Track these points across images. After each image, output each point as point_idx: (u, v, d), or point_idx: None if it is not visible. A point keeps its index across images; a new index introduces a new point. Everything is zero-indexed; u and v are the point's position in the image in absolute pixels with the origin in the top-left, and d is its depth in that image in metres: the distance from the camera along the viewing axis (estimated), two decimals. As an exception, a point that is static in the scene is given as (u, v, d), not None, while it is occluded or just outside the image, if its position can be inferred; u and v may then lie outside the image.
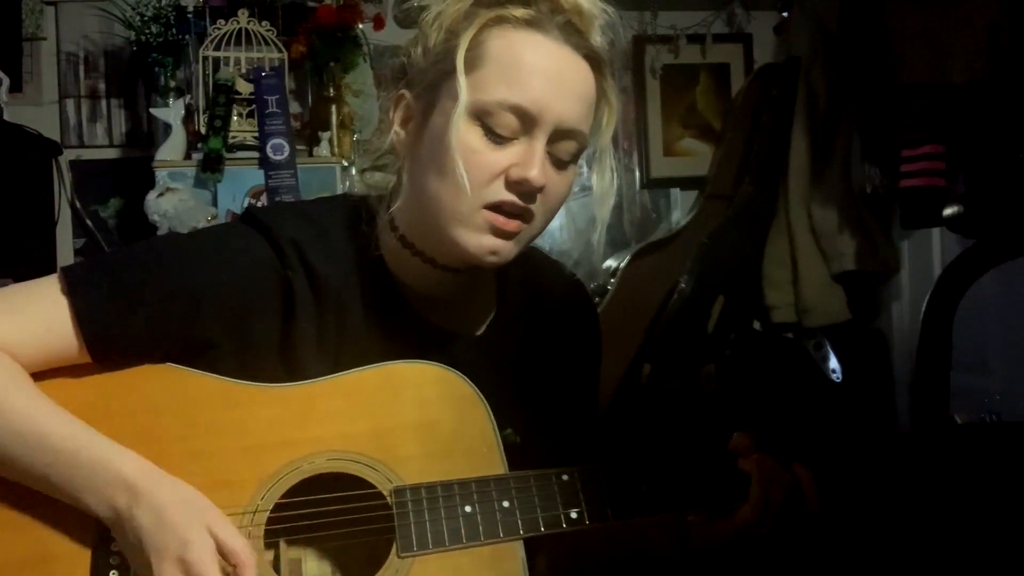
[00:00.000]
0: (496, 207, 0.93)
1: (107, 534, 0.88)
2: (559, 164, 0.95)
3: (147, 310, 0.92)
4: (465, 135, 0.92)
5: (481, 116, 0.92)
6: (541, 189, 0.93)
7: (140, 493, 0.85)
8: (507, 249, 0.96)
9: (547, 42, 0.93)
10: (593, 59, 0.96)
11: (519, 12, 0.93)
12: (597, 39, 0.96)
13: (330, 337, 0.98)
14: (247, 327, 0.96)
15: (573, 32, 0.94)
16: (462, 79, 0.91)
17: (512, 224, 0.94)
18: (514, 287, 1.12)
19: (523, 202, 0.93)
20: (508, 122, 0.92)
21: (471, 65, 0.92)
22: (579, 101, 0.95)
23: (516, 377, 1.07)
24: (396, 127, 1.00)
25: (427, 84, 0.96)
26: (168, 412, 0.93)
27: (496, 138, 0.92)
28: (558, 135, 0.94)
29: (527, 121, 0.92)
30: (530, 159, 0.92)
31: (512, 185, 0.93)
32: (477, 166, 0.92)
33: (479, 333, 1.08)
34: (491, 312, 1.09)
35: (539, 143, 0.93)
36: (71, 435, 0.87)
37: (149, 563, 0.84)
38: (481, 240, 0.94)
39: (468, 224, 0.94)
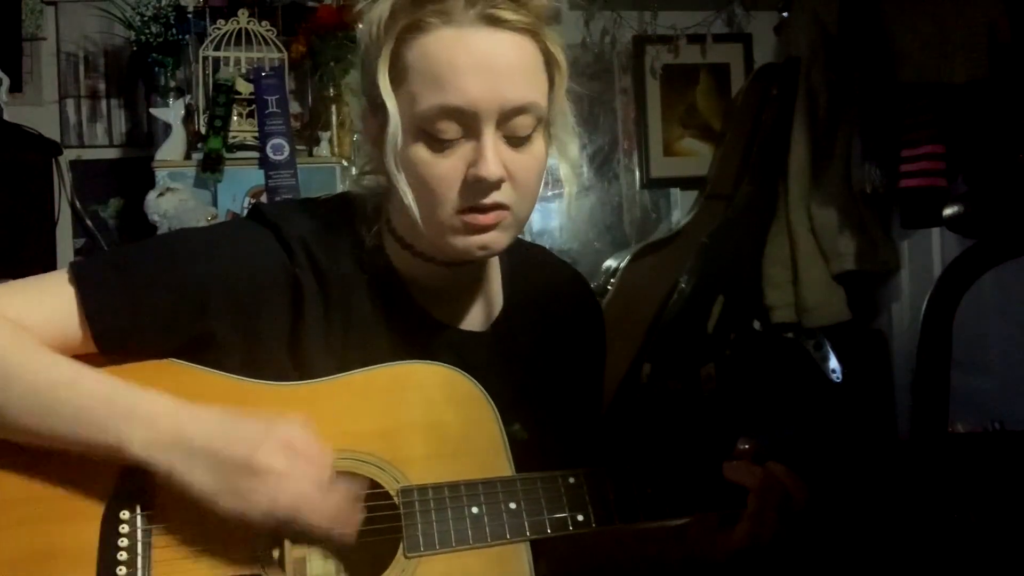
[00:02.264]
0: (468, 210, 0.93)
1: (114, 527, 0.88)
2: (518, 142, 0.93)
3: (155, 305, 0.92)
4: (413, 152, 0.91)
5: (422, 127, 0.91)
6: (501, 180, 0.92)
7: (182, 418, 0.87)
8: (494, 240, 0.95)
9: (464, 34, 0.90)
10: (524, 28, 0.92)
11: (430, 14, 0.90)
12: (524, 5, 0.91)
13: (337, 334, 0.98)
14: (255, 324, 0.96)
15: (493, 10, 0.90)
16: (389, 102, 0.90)
17: (489, 217, 0.93)
18: (519, 283, 1.12)
19: (487, 199, 0.92)
20: (447, 127, 0.90)
21: (397, 80, 0.91)
22: (516, 77, 0.91)
23: (523, 373, 1.08)
24: (369, 144, 1.00)
25: (376, 103, 0.95)
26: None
27: (441, 145, 0.91)
28: (506, 116, 0.91)
29: (465, 119, 0.90)
30: (480, 156, 0.90)
31: (471, 186, 0.92)
32: (433, 178, 0.91)
33: (486, 329, 1.08)
34: (497, 308, 1.09)
35: (486, 136, 0.91)
36: (101, 382, 0.88)
37: (231, 458, 0.85)
38: (467, 240, 0.94)
39: (448, 229, 0.94)
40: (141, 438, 0.86)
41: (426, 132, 0.91)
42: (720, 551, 0.99)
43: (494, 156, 0.91)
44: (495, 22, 0.90)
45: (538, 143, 0.95)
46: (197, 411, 0.88)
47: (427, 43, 0.90)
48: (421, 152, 0.91)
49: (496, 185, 0.92)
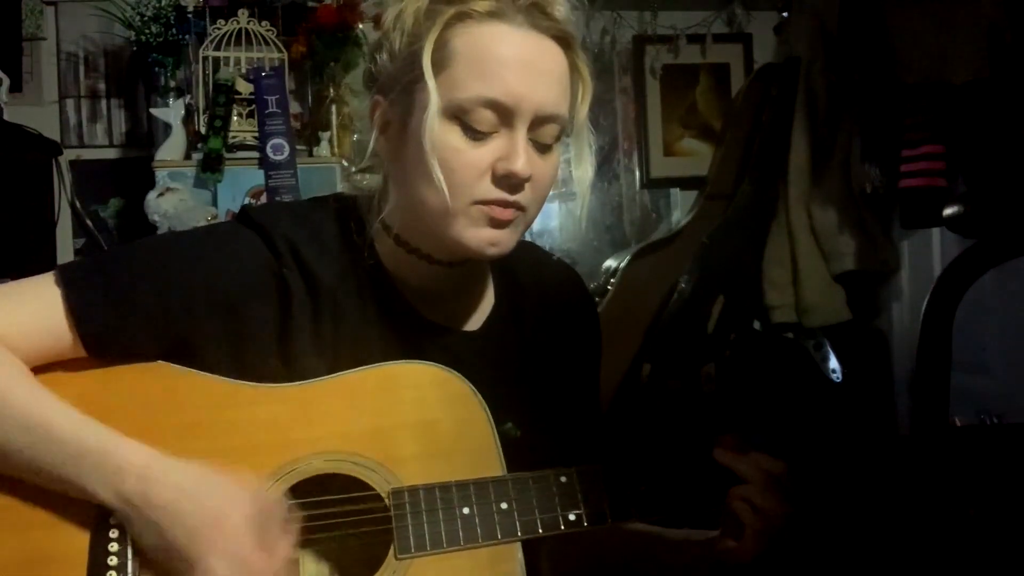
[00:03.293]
0: (487, 203, 0.93)
1: (104, 534, 0.88)
2: (542, 149, 0.96)
3: (142, 307, 0.92)
4: (444, 136, 0.92)
5: (458, 115, 0.92)
6: (528, 179, 0.93)
7: (151, 477, 0.85)
8: (506, 238, 0.96)
9: (513, 31, 0.92)
10: (561, 38, 0.95)
11: (481, 5, 0.92)
12: (562, 14, 0.95)
13: (327, 335, 0.98)
14: (242, 325, 0.96)
15: (538, 14, 0.93)
16: (431, 83, 0.91)
17: (508, 212, 0.94)
18: (512, 281, 1.12)
19: (512, 195, 0.94)
20: (486, 117, 0.92)
21: (440, 65, 0.92)
22: (554, 84, 0.95)
23: (516, 371, 1.08)
24: (376, 134, 1.00)
25: (400, 89, 0.96)
26: (165, 412, 0.93)
27: (476, 135, 0.92)
28: (538, 121, 0.94)
29: (505, 114, 0.92)
30: (513, 152, 0.92)
31: (499, 180, 0.93)
32: (461, 166, 0.92)
33: (477, 328, 1.08)
34: (489, 306, 1.09)
35: (520, 134, 0.93)
36: (76, 426, 0.87)
37: (176, 539, 0.83)
38: (480, 233, 0.95)
39: (464, 220, 0.94)
40: (107, 492, 0.85)
41: (460, 120, 0.92)
42: (739, 558, 0.99)
43: (526, 154, 0.93)
44: (539, 27, 0.93)
45: (556, 154, 0.98)
46: (169, 471, 0.86)
47: (478, 33, 0.92)
48: (453, 138, 0.92)
49: (523, 184, 0.93)
